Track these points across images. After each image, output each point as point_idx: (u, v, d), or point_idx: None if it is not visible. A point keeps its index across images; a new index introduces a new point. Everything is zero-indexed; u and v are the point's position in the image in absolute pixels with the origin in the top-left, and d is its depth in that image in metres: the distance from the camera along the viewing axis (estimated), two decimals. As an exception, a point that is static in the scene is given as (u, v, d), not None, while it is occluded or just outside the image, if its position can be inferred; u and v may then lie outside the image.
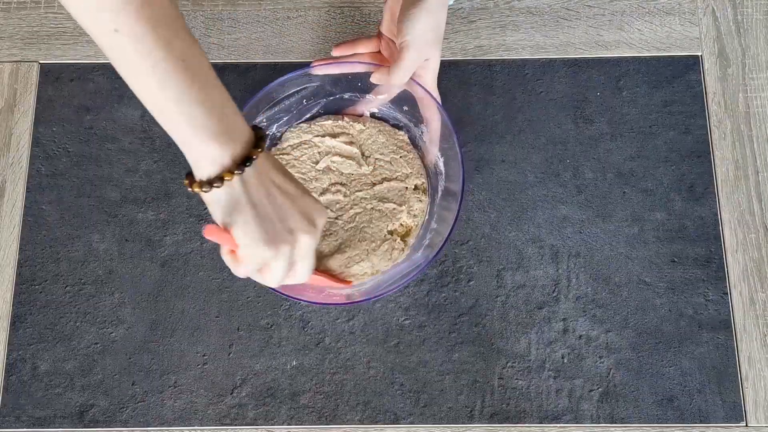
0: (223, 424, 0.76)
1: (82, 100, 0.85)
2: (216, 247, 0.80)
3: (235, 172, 0.54)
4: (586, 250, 0.80)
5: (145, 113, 0.85)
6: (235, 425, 0.76)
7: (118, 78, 0.85)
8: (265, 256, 0.58)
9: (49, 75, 0.86)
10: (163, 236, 0.81)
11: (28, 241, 0.81)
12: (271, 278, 0.60)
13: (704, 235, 0.80)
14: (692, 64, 0.85)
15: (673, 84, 0.84)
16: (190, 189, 0.56)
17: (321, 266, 0.75)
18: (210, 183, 0.55)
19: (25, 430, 0.76)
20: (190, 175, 0.56)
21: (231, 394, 0.77)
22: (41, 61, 0.86)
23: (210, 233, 0.57)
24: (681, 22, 0.86)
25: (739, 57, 0.85)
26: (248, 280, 0.79)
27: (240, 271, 0.60)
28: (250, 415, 0.76)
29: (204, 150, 0.54)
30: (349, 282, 0.75)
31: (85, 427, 0.76)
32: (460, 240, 0.80)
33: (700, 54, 0.86)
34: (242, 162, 0.54)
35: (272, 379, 0.77)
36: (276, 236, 0.57)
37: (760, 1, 0.87)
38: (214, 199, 0.56)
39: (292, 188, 0.59)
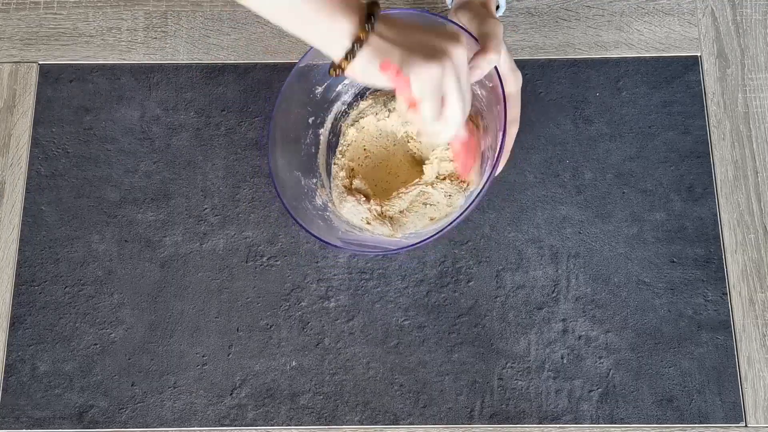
0: (222, 425, 0.76)
1: (82, 100, 0.85)
2: (215, 248, 0.80)
3: (366, 27, 0.59)
4: (585, 251, 0.80)
5: (144, 114, 0.85)
6: (235, 426, 0.76)
7: (118, 78, 0.86)
8: (435, 74, 0.59)
9: (49, 75, 0.86)
10: (162, 237, 0.81)
11: (27, 241, 0.81)
12: (454, 100, 0.61)
13: (703, 236, 0.80)
14: (691, 64, 0.85)
15: (672, 84, 0.84)
16: (338, 71, 0.60)
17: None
18: (351, 52, 0.59)
19: (24, 430, 0.76)
20: (333, 66, 0.61)
21: (230, 394, 0.77)
22: (40, 62, 0.86)
23: (387, 66, 0.59)
24: (680, 23, 0.87)
25: (738, 57, 0.85)
26: (248, 281, 0.79)
27: (424, 112, 0.61)
28: (249, 415, 0.76)
29: (334, 27, 0.59)
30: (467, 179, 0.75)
31: (84, 428, 0.76)
32: (459, 240, 0.80)
33: (699, 54, 0.86)
34: (366, 20, 0.59)
35: (272, 379, 0.77)
36: (433, 52, 0.59)
37: (759, 1, 0.87)
38: (365, 65, 0.60)
39: (419, 25, 0.62)
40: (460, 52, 0.60)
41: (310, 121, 0.78)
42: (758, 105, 0.84)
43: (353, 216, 0.77)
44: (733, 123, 0.83)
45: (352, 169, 0.80)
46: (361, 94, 0.81)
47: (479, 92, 0.74)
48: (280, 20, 0.60)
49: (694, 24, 0.86)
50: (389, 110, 0.80)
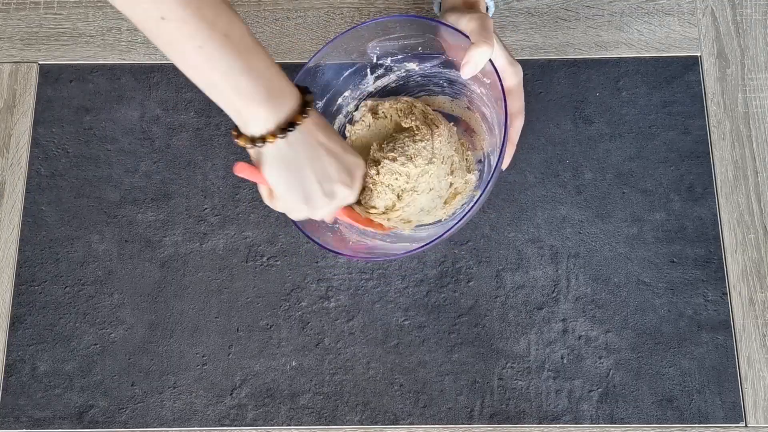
0: (222, 425, 0.76)
1: (82, 100, 0.85)
2: (215, 248, 0.80)
3: (279, 135, 0.58)
4: (585, 251, 0.80)
5: (144, 114, 0.85)
6: (235, 426, 0.76)
7: (118, 78, 0.86)
8: (301, 210, 0.63)
9: (49, 76, 0.86)
10: (162, 237, 0.81)
11: (27, 241, 0.81)
12: (295, 217, 0.66)
13: (703, 236, 0.80)
14: (691, 64, 0.85)
15: (672, 84, 0.84)
16: (236, 141, 0.60)
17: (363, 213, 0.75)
18: (254, 141, 0.59)
19: (24, 430, 0.76)
20: (237, 128, 0.60)
21: (230, 394, 0.77)
22: (41, 62, 0.86)
23: (241, 170, 0.61)
24: (680, 23, 0.87)
25: (738, 57, 0.85)
26: (248, 281, 0.79)
27: (272, 206, 0.65)
28: (249, 415, 0.76)
29: (251, 114, 0.58)
30: (384, 228, 0.74)
31: (84, 428, 0.76)
32: (459, 240, 0.80)
33: (699, 54, 0.86)
34: (287, 126, 0.58)
35: (272, 379, 0.77)
36: (313, 196, 0.62)
37: (759, 1, 0.87)
38: (258, 155, 0.61)
39: (336, 147, 0.62)
40: (343, 196, 0.64)
41: None
42: (758, 105, 0.84)
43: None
44: (733, 123, 0.83)
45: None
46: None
47: (479, 90, 0.73)
48: (189, 76, 0.58)
49: (694, 24, 0.86)
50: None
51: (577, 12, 0.87)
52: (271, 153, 0.60)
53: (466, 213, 0.65)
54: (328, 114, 0.78)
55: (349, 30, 0.73)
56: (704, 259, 0.79)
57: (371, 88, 0.79)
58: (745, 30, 0.86)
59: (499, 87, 0.66)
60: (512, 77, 0.69)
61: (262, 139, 0.58)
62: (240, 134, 0.60)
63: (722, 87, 0.84)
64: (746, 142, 0.83)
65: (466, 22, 0.67)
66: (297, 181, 0.61)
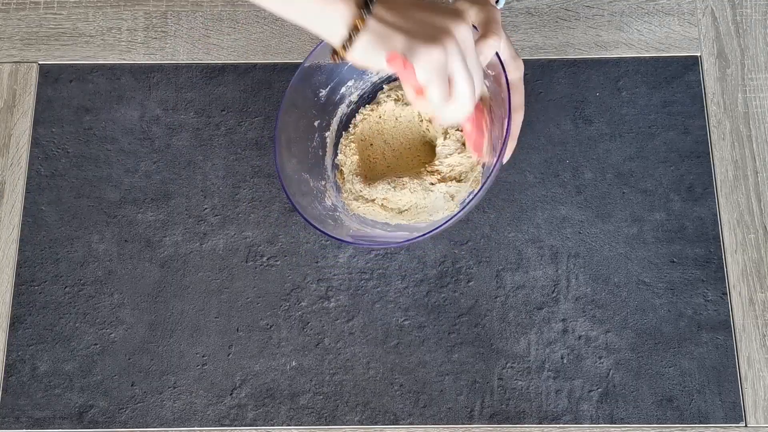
0: (222, 425, 0.76)
1: (82, 100, 0.85)
2: (215, 248, 0.80)
3: (363, 13, 0.58)
4: (585, 251, 0.80)
5: (144, 114, 0.85)
6: (235, 426, 0.76)
7: (118, 78, 0.86)
8: (439, 58, 0.58)
9: (49, 76, 0.86)
10: (162, 237, 0.81)
11: (27, 241, 0.81)
12: (462, 80, 0.60)
13: (703, 236, 0.80)
14: (691, 64, 0.85)
15: (672, 84, 0.84)
16: (337, 59, 0.60)
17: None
18: (350, 39, 0.58)
19: (24, 430, 0.76)
20: (333, 52, 0.60)
21: (230, 394, 0.77)
22: (40, 62, 0.86)
23: (393, 58, 0.59)
24: (680, 23, 0.87)
25: (738, 57, 0.85)
26: (248, 281, 0.79)
27: (433, 97, 0.60)
28: (249, 415, 0.76)
29: (332, 14, 0.58)
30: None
31: (84, 428, 0.76)
32: (459, 240, 0.80)
33: (699, 54, 0.86)
34: (364, 4, 0.58)
35: (272, 379, 0.77)
36: (435, 35, 0.59)
37: (759, 1, 0.87)
38: (364, 52, 0.59)
39: (420, 3, 0.61)
40: (463, 29, 0.59)
41: (316, 124, 0.78)
42: (758, 105, 0.84)
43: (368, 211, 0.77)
44: (733, 123, 0.83)
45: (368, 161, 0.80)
46: (367, 95, 0.81)
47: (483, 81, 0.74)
48: (272, 6, 0.60)
49: (694, 24, 0.86)
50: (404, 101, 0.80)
51: (577, 12, 0.87)
52: (372, 35, 0.59)
53: (466, 205, 0.66)
54: (331, 103, 0.78)
55: None
56: (704, 259, 0.79)
57: (375, 78, 0.80)
58: (745, 30, 0.86)
59: (504, 80, 0.66)
60: (515, 71, 0.69)
61: (355, 27, 0.58)
62: (336, 52, 0.60)
63: (722, 87, 0.84)
64: (746, 142, 0.83)
65: (475, 14, 0.67)
66: (410, 31, 0.58)
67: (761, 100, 0.84)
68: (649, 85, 0.84)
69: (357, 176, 0.78)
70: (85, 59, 0.87)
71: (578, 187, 0.82)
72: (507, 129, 0.64)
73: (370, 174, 0.79)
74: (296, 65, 0.84)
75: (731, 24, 0.86)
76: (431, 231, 0.66)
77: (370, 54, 0.60)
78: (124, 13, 0.88)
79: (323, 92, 0.78)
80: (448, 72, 0.59)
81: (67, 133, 0.84)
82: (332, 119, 0.80)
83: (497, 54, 0.66)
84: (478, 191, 0.66)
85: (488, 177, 0.66)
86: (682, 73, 0.85)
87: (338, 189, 0.79)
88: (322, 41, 0.73)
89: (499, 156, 0.65)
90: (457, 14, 0.60)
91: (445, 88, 0.60)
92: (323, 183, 0.78)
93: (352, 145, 0.80)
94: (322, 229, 0.70)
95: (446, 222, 0.66)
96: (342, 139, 0.80)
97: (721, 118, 0.83)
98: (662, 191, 0.81)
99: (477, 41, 0.65)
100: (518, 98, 0.70)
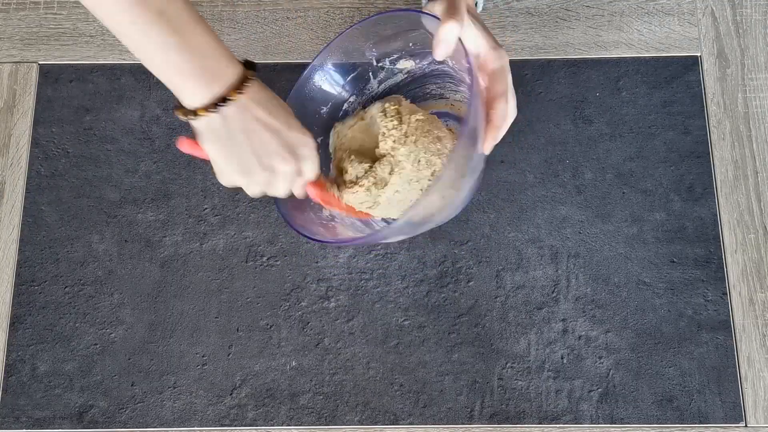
0: (222, 425, 0.76)
1: (82, 100, 0.85)
2: (215, 248, 0.80)
3: (210, 110, 0.59)
4: (585, 251, 0.80)
5: (144, 114, 0.85)
6: (235, 426, 0.76)
7: (118, 78, 0.86)
8: (238, 182, 0.64)
9: (49, 76, 0.86)
10: (162, 237, 0.81)
11: (27, 241, 0.81)
12: (250, 193, 0.66)
13: (703, 236, 0.80)
14: (691, 64, 0.85)
15: (672, 84, 0.84)
16: (174, 113, 0.61)
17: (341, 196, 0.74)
18: (187, 114, 0.60)
19: (24, 430, 0.76)
20: (177, 103, 0.61)
21: (230, 394, 0.77)
22: (40, 62, 0.86)
23: (183, 145, 0.62)
24: (680, 23, 0.87)
25: (738, 57, 0.85)
26: (248, 281, 0.79)
27: (220, 180, 0.65)
28: (249, 415, 0.76)
29: (186, 89, 0.59)
30: (364, 214, 0.73)
31: (84, 428, 0.76)
32: (459, 240, 0.80)
33: (699, 54, 0.86)
34: (220, 101, 0.59)
35: (272, 379, 0.77)
36: (250, 170, 0.62)
37: (759, 1, 0.87)
38: (195, 126, 0.61)
39: (276, 123, 0.63)
40: (285, 171, 0.64)
41: (319, 141, 0.77)
42: (758, 105, 0.84)
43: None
44: (733, 123, 0.83)
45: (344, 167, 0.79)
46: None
47: (468, 79, 0.72)
48: (136, 52, 0.59)
49: (694, 24, 0.86)
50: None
51: (577, 12, 0.87)
52: (206, 127, 0.60)
53: (438, 180, 0.62)
54: (334, 120, 0.78)
55: (335, 38, 0.73)
56: (704, 259, 0.79)
57: (375, 92, 0.79)
58: (745, 30, 0.86)
59: (465, 61, 0.63)
60: (495, 61, 0.67)
61: (195, 113, 0.59)
62: (178, 107, 0.61)
63: (722, 87, 0.84)
64: (746, 142, 0.83)
65: (439, 5, 0.66)
66: (233, 154, 0.62)
67: (761, 100, 0.84)
68: (649, 85, 0.84)
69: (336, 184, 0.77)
70: (85, 59, 0.87)
71: (578, 187, 0.82)
72: (470, 113, 0.61)
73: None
74: (296, 65, 0.84)
75: (731, 24, 0.86)
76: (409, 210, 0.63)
77: (198, 133, 0.62)
78: (124, 13, 0.88)
79: (324, 110, 0.77)
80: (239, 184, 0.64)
81: (67, 133, 0.84)
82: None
83: (461, 41, 0.65)
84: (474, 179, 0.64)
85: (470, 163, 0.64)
86: (682, 73, 0.85)
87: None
88: (324, 47, 0.73)
89: (478, 144, 0.64)
90: (294, 151, 0.64)
91: (230, 183, 0.65)
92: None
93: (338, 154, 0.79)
94: (315, 237, 0.69)
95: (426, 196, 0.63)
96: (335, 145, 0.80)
97: (721, 118, 0.83)
98: (662, 191, 0.81)
99: (438, 28, 0.64)
100: (500, 87, 0.68)
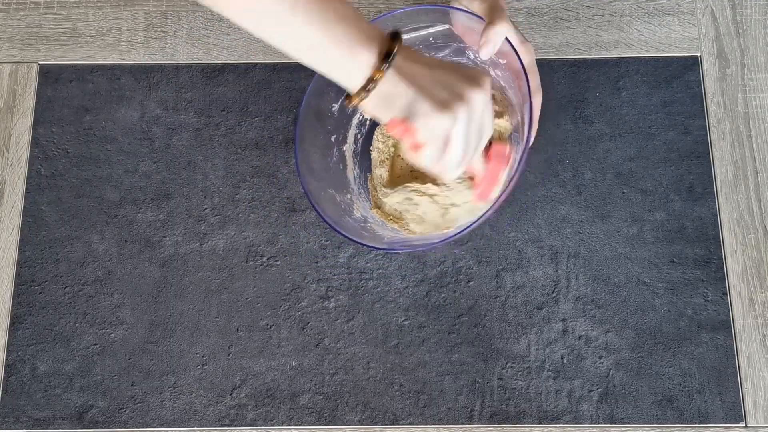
0: (222, 425, 0.76)
1: (82, 100, 0.85)
2: (215, 248, 0.80)
3: (383, 67, 0.58)
4: (585, 251, 0.80)
5: (144, 114, 0.85)
6: (235, 426, 0.76)
7: (118, 78, 0.86)
8: (444, 124, 0.59)
9: (49, 76, 0.86)
10: (162, 237, 0.81)
11: (27, 241, 0.81)
12: (455, 149, 0.61)
13: (703, 236, 0.80)
14: (691, 64, 0.85)
15: (672, 84, 0.84)
16: (351, 105, 0.60)
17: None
18: (366, 88, 0.58)
19: (24, 430, 0.76)
20: (347, 96, 0.60)
21: (230, 394, 0.77)
22: (40, 62, 0.86)
23: (393, 125, 0.59)
24: (680, 23, 0.87)
25: (738, 57, 0.85)
26: (248, 281, 0.79)
27: (425, 156, 0.62)
28: (249, 415, 0.76)
29: (353, 61, 0.58)
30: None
31: (84, 428, 0.76)
32: (459, 240, 0.80)
33: (699, 54, 0.86)
34: (385, 57, 0.58)
35: (272, 379, 0.77)
36: (448, 102, 0.59)
37: (759, 1, 0.87)
38: (379, 102, 0.59)
39: (441, 63, 0.61)
40: (478, 97, 0.60)
41: (333, 139, 0.78)
42: (758, 105, 0.84)
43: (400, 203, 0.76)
44: (733, 123, 0.83)
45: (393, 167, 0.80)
46: None
47: (494, 73, 0.73)
48: (291, 51, 0.59)
49: (694, 24, 0.86)
50: None
51: (577, 12, 0.87)
52: (387, 89, 0.59)
53: (502, 195, 0.65)
54: (345, 116, 0.78)
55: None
56: (704, 259, 0.79)
57: None
58: (745, 30, 0.86)
59: (519, 64, 0.66)
60: (526, 55, 0.69)
61: (372, 79, 0.58)
62: (351, 96, 0.60)
63: (722, 87, 0.84)
64: (746, 142, 0.83)
65: (478, 4, 0.68)
66: (424, 94, 0.59)
67: (761, 100, 0.84)
68: (649, 85, 0.84)
69: (384, 185, 0.78)
70: (85, 59, 0.87)
71: (578, 187, 0.82)
72: (530, 113, 0.64)
73: (395, 182, 0.79)
74: (296, 65, 0.84)
75: (731, 24, 0.86)
76: (471, 225, 0.65)
77: (381, 108, 0.60)
78: (124, 13, 0.88)
79: (335, 107, 0.77)
80: (447, 136, 0.60)
81: (67, 133, 0.84)
82: (348, 132, 0.79)
83: (507, 39, 0.66)
84: (513, 177, 0.65)
85: (520, 162, 0.65)
86: (682, 73, 0.85)
87: (368, 199, 0.79)
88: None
89: (526, 142, 0.65)
90: (476, 80, 0.61)
91: (439, 152, 0.61)
92: (349, 196, 0.77)
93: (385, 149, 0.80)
94: (360, 241, 0.69)
95: (483, 215, 0.65)
96: (377, 143, 0.80)
97: (721, 118, 0.83)
98: (662, 191, 0.81)
99: (484, 29, 0.65)
100: (534, 81, 0.71)
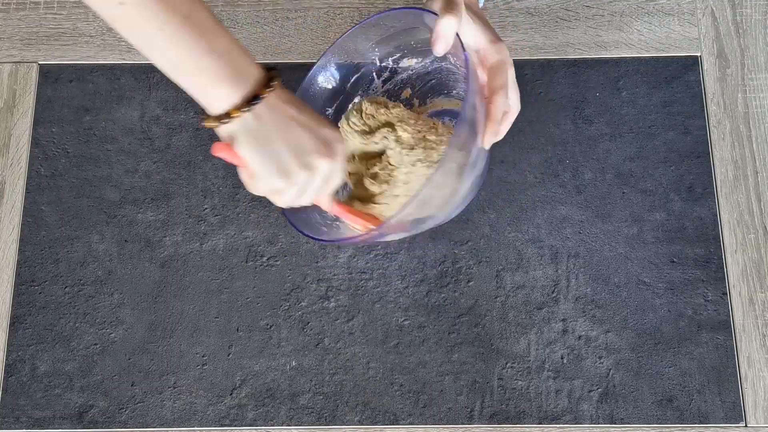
0: (222, 425, 0.76)
1: (82, 100, 0.85)
2: (215, 248, 0.80)
3: (243, 109, 0.58)
4: (585, 251, 0.80)
5: (144, 114, 0.85)
6: (235, 426, 0.76)
7: (118, 78, 0.86)
8: (277, 185, 0.61)
9: (49, 76, 0.86)
10: (162, 237, 0.81)
11: (27, 241, 0.81)
12: (281, 202, 0.64)
13: (703, 236, 0.80)
14: (691, 64, 0.85)
15: (672, 84, 0.84)
16: (203, 124, 0.60)
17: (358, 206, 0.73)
18: (220, 119, 0.59)
19: (24, 430, 0.76)
20: (204, 114, 0.60)
21: (230, 394, 0.77)
22: (40, 62, 0.86)
23: (218, 150, 0.60)
24: (680, 23, 0.87)
25: (738, 57, 0.85)
26: (248, 281, 0.79)
27: (254, 190, 0.63)
28: (249, 415, 0.76)
29: (216, 93, 0.58)
30: (377, 221, 0.71)
31: (84, 428, 0.76)
32: (459, 240, 0.80)
33: (699, 54, 0.86)
34: (252, 99, 0.58)
35: (271, 379, 0.77)
36: (290, 169, 0.60)
37: (759, 1, 0.87)
38: (228, 133, 0.60)
39: (308, 120, 0.62)
40: (323, 168, 0.61)
41: None
42: (758, 105, 0.84)
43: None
44: (733, 123, 0.83)
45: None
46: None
47: (461, 71, 0.72)
48: (160, 64, 0.59)
49: (694, 24, 0.86)
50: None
51: (577, 12, 0.87)
52: (240, 129, 0.59)
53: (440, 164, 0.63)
54: (338, 120, 0.78)
55: (337, 39, 0.73)
56: (704, 259, 0.79)
57: (379, 92, 0.79)
58: (745, 30, 0.86)
59: (462, 56, 0.63)
60: (494, 55, 0.67)
61: (228, 114, 0.58)
62: (207, 117, 0.60)
63: (722, 87, 0.84)
64: (746, 142, 0.83)
65: (436, 2, 0.65)
66: (270, 154, 0.60)
67: (761, 100, 0.84)
68: (649, 85, 0.84)
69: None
70: (85, 59, 0.87)
71: (578, 187, 0.82)
72: (465, 107, 0.61)
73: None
74: (296, 65, 0.84)
75: (731, 24, 0.86)
76: (410, 201, 0.62)
77: (232, 141, 0.60)
78: (124, 13, 0.88)
79: (329, 111, 0.77)
80: (278, 189, 0.62)
81: (67, 133, 0.84)
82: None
83: (458, 35, 0.64)
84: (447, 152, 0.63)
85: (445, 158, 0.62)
86: (682, 73, 0.85)
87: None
88: (323, 53, 0.73)
89: (455, 136, 0.63)
90: (329, 147, 0.62)
91: (270, 193, 0.63)
92: None
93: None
94: (311, 234, 0.68)
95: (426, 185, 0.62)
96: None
97: (721, 118, 0.83)
98: (662, 191, 0.81)
99: (436, 23, 0.64)
100: (499, 81, 0.68)
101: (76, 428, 0.76)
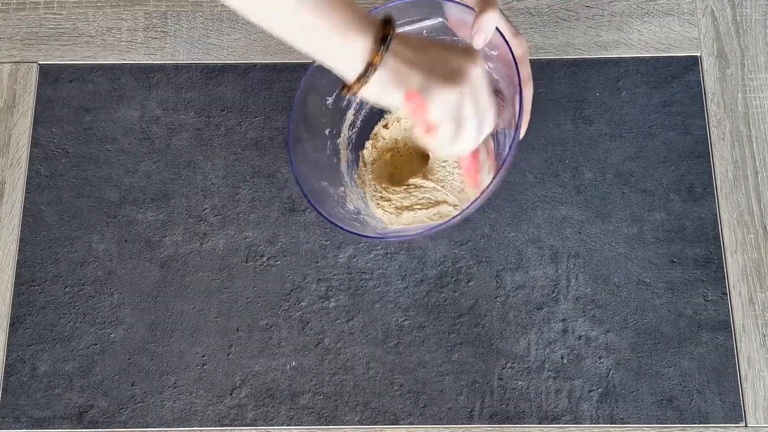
0: (222, 425, 0.76)
1: (82, 100, 0.85)
2: (215, 248, 0.80)
3: (381, 50, 0.57)
4: (585, 251, 0.80)
5: (144, 114, 0.85)
6: (235, 426, 0.76)
7: (118, 78, 0.86)
8: (454, 99, 0.60)
9: (49, 76, 0.86)
10: (162, 237, 0.81)
11: (27, 241, 0.81)
12: (472, 124, 0.61)
13: (703, 236, 0.80)
14: (691, 64, 0.85)
15: (672, 84, 0.84)
16: (351, 93, 0.59)
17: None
18: (366, 75, 0.58)
19: (24, 430, 0.76)
20: (344, 86, 0.60)
21: (230, 394, 0.77)
22: (40, 62, 0.86)
23: (410, 97, 0.59)
24: (680, 23, 0.87)
25: (738, 57, 0.85)
26: (248, 281, 0.79)
27: (441, 136, 0.61)
28: (249, 415, 0.76)
29: (350, 47, 0.57)
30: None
31: (84, 428, 0.76)
32: (459, 240, 0.80)
33: (699, 54, 0.86)
34: (381, 41, 0.58)
35: (271, 379, 0.77)
36: (451, 76, 0.59)
37: (759, 1, 0.87)
38: (380, 88, 0.59)
39: (434, 42, 0.62)
40: (476, 70, 0.60)
41: (327, 132, 0.78)
42: (758, 105, 0.84)
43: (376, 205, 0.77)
44: (733, 123, 0.83)
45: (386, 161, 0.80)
46: None
47: (486, 66, 0.73)
48: (287, 35, 0.58)
49: (694, 24, 0.86)
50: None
51: (577, 12, 0.87)
52: (386, 76, 0.58)
53: (491, 184, 0.65)
54: (338, 109, 0.78)
55: None
56: (704, 259, 0.79)
57: None
58: (745, 30, 0.86)
59: (508, 53, 0.65)
60: (518, 47, 0.69)
61: (371, 64, 0.57)
62: (350, 87, 0.59)
63: (722, 87, 0.84)
64: (746, 142, 0.83)
65: None
66: (427, 73, 0.59)
67: (761, 100, 0.84)
68: (649, 85, 0.84)
69: (379, 183, 0.78)
70: (85, 59, 0.87)
71: (578, 187, 0.82)
72: (520, 104, 0.64)
73: (389, 178, 0.79)
74: (296, 65, 0.84)
75: (731, 24, 0.86)
76: (459, 214, 0.65)
77: (386, 91, 0.59)
78: (124, 13, 0.88)
79: (329, 100, 0.77)
80: (459, 115, 0.60)
81: (67, 133, 0.84)
82: (342, 125, 0.79)
83: (498, 30, 0.66)
84: (501, 168, 0.64)
85: (508, 154, 0.64)
86: (682, 73, 0.85)
87: (363, 194, 0.79)
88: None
89: (516, 131, 0.65)
90: (471, 55, 0.61)
91: (455, 130, 0.61)
92: (342, 189, 0.77)
93: (379, 151, 0.80)
94: (351, 230, 0.69)
95: (470, 206, 0.64)
96: (369, 144, 0.80)
97: (721, 118, 0.83)
98: (662, 191, 0.81)
99: (476, 17, 0.65)
100: (525, 71, 0.71)
101: (76, 428, 0.76)
